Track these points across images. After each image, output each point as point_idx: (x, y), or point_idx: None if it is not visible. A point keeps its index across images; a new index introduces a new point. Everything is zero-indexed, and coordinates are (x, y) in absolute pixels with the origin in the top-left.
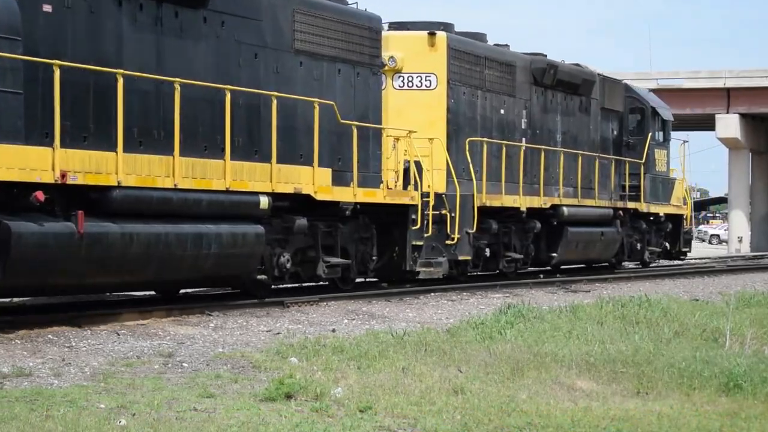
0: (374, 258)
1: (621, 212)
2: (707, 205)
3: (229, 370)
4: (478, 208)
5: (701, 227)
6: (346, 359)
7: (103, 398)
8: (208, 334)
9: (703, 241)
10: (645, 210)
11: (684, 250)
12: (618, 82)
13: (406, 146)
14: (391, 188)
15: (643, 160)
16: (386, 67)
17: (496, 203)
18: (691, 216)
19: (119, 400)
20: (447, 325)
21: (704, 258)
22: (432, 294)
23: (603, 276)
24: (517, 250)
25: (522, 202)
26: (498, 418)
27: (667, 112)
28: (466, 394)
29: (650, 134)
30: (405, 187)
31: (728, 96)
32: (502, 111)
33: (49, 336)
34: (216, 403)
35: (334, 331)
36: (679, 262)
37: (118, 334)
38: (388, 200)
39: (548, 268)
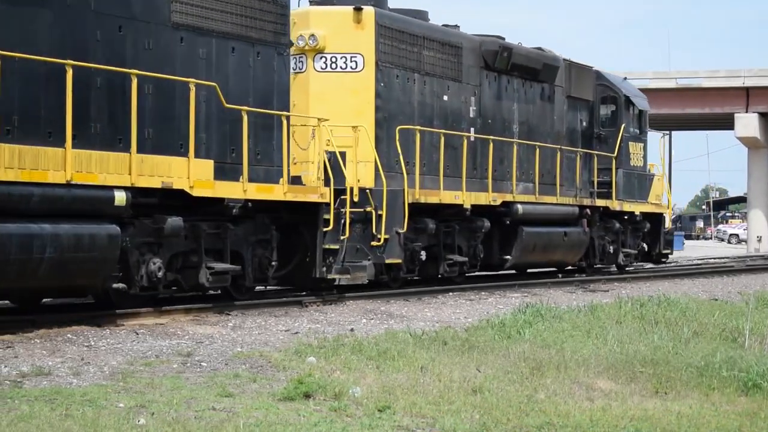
0: (274, 263)
1: (589, 211)
2: (726, 205)
3: (248, 370)
4: (410, 204)
5: (720, 227)
6: (364, 359)
7: (122, 397)
8: (227, 333)
9: (722, 240)
10: (617, 208)
11: (665, 252)
12: (587, 68)
13: (328, 136)
14: (305, 184)
15: (615, 154)
16: (306, 47)
17: (433, 199)
18: (674, 215)
19: (138, 399)
20: (465, 324)
21: (723, 257)
22: (450, 293)
23: (614, 276)
24: (463, 252)
25: (466, 198)
26: (517, 418)
27: (643, 102)
28: (485, 394)
29: (623, 125)
30: (327, 183)
31: (747, 95)
32: (446, 98)
33: (69, 335)
34: (235, 403)
35: (352, 330)
36: (698, 261)
37: (137, 334)
38: (290, 197)
39: (513, 272)
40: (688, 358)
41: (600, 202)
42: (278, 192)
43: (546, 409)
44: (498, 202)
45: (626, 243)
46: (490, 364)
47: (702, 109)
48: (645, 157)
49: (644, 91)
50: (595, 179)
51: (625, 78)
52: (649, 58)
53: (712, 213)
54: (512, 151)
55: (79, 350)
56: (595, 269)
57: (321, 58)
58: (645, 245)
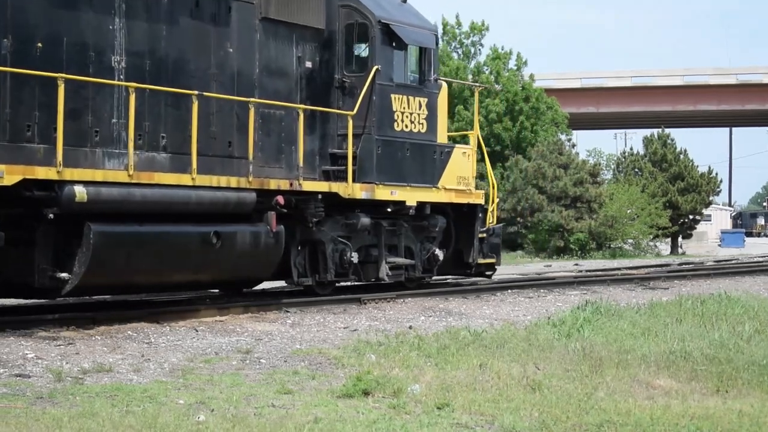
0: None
1: (281, 199)
2: None
3: (307, 367)
4: None
5: None
6: (423, 356)
7: (182, 394)
8: (286, 330)
9: None
10: (362, 195)
11: (486, 261)
12: None
13: None
14: None
15: (354, 111)
16: None
17: None
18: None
19: (198, 395)
20: (525, 322)
21: None
22: (509, 291)
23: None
24: None
25: None
26: (576, 416)
27: (423, 35)
28: (544, 392)
29: (377, 68)
30: None
31: None
32: None
33: (129, 332)
34: (294, 400)
35: (411, 327)
36: (760, 259)
37: (197, 331)
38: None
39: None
40: (750, 357)
41: (319, 186)
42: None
43: (606, 407)
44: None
45: (398, 248)
46: (549, 361)
47: (762, 105)
48: (433, 119)
49: (704, 88)
50: (350, 151)
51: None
52: (709, 55)
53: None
54: (111, 100)
55: (139, 347)
56: (320, 285)
57: None
58: (438, 251)
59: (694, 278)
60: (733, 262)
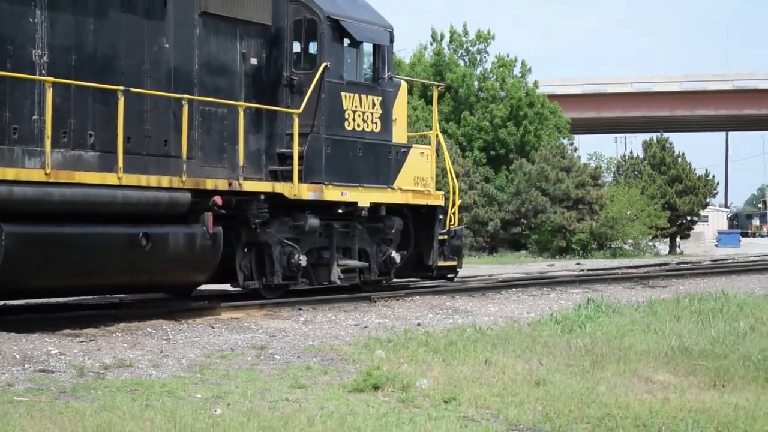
0: None
1: (219, 199)
2: None
3: (319, 362)
4: None
5: None
6: (431, 352)
7: (200, 389)
8: (299, 327)
9: None
10: (309, 196)
11: (446, 264)
12: None
13: None
14: None
15: (300, 110)
16: None
17: None
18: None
19: (215, 390)
20: (528, 319)
21: None
22: (513, 289)
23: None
24: None
25: None
26: (578, 409)
27: (377, 31)
28: (547, 386)
29: (325, 66)
30: None
31: None
32: None
33: (148, 329)
34: (307, 394)
35: (419, 325)
36: (755, 258)
37: (213, 328)
38: None
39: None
40: (745, 352)
41: (261, 186)
42: None
43: (606, 401)
44: None
45: (351, 250)
46: (552, 357)
47: (759, 110)
48: (388, 118)
49: (701, 93)
50: (296, 150)
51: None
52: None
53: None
54: (26, 92)
55: (158, 343)
56: (267, 289)
57: None
58: (395, 254)
59: (691, 277)
60: (729, 261)
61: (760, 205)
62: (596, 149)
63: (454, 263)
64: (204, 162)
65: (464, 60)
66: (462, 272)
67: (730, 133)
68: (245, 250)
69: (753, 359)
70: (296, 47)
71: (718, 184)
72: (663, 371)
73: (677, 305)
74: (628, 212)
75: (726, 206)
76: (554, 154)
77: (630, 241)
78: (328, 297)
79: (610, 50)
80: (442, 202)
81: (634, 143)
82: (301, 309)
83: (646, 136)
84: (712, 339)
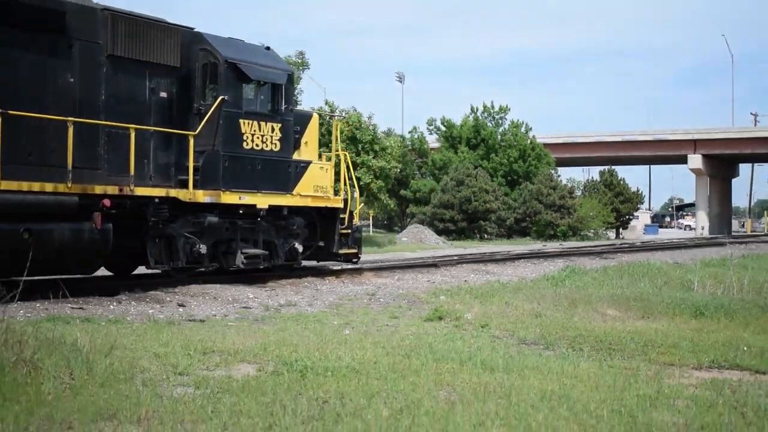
0: None
1: (108, 202)
2: (683, 207)
3: (406, 303)
4: None
5: (680, 221)
6: (473, 297)
7: (336, 318)
8: (394, 282)
9: (681, 229)
10: (206, 200)
11: (348, 251)
12: (166, 26)
13: None
14: None
15: (196, 132)
16: None
17: None
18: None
19: (344, 319)
20: (531, 277)
21: (681, 239)
22: (522, 260)
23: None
24: None
25: None
26: (561, 331)
27: (274, 73)
28: (543, 318)
29: (222, 99)
30: None
31: (695, 144)
32: None
33: (305, 283)
34: (398, 322)
35: (465, 281)
36: (666, 241)
37: (344, 282)
38: None
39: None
40: (662, 298)
41: (154, 191)
42: None
43: (578, 326)
44: None
45: (257, 242)
46: (545, 300)
47: (668, 153)
48: (287, 140)
49: (634, 142)
50: (191, 164)
51: (268, 47)
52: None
53: (674, 213)
54: None
55: (311, 292)
56: (174, 270)
57: None
58: (298, 245)
59: (629, 252)
60: (651, 243)
61: (670, 209)
62: (571, 176)
63: (354, 251)
64: (111, 172)
65: (491, 122)
66: (489, 249)
67: (651, 166)
68: (156, 241)
69: (666, 302)
70: (205, 84)
71: (644, 196)
72: (612, 309)
73: (620, 270)
74: (591, 213)
75: (649, 209)
76: (546, 179)
77: (592, 231)
78: (410, 263)
79: (580, 115)
80: (341, 205)
81: (593, 172)
82: (394, 272)
83: (602, 168)
84: (641, 290)
